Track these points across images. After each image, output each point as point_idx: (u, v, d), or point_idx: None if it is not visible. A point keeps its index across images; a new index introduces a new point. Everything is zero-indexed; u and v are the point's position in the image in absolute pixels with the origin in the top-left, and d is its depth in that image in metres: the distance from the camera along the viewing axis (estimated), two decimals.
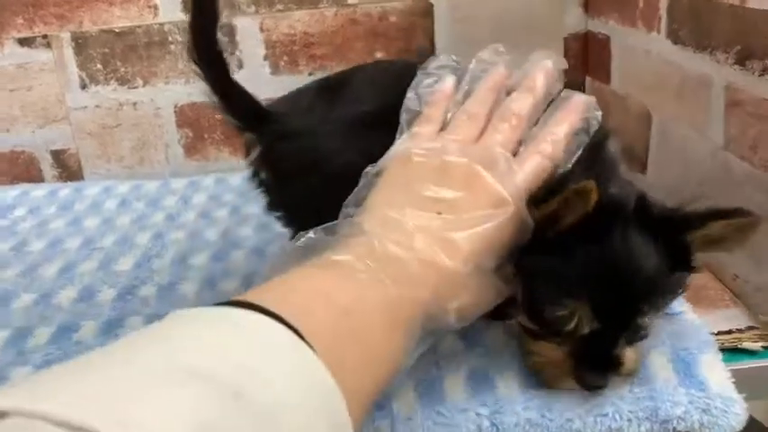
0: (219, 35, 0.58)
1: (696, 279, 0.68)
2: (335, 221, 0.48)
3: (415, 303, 0.43)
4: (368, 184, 0.50)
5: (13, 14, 1.05)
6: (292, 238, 0.60)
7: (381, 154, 0.53)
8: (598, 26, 1.06)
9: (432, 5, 1.09)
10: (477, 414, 0.53)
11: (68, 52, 1.07)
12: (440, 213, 0.46)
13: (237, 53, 1.09)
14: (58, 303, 0.72)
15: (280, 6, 1.07)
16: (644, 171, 0.90)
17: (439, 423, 0.53)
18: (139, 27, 1.07)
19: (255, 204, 0.78)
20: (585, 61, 1.12)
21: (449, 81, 0.55)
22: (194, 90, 1.09)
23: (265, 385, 0.31)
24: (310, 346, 0.34)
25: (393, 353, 0.42)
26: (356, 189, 0.51)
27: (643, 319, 0.50)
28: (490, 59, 0.56)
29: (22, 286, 0.75)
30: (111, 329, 0.66)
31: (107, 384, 0.28)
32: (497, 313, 0.60)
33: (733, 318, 0.64)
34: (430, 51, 1.11)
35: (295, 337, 0.34)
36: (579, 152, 0.51)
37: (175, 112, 1.10)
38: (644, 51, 0.88)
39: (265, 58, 1.10)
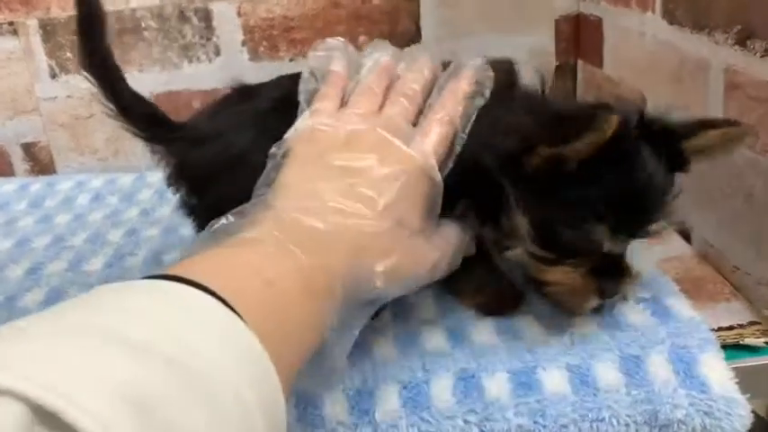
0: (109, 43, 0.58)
1: (694, 272, 0.67)
2: (246, 204, 0.47)
3: (331, 271, 0.43)
4: (276, 165, 0.50)
5: None
6: None
7: None
8: (590, 7, 1.02)
9: None
10: (466, 421, 0.50)
11: (36, 40, 1.02)
12: (351, 185, 0.46)
13: (214, 39, 1.04)
14: (24, 306, 0.68)
15: None
16: None
17: (425, 431, 0.50)
18: (111, 13, 1.02)
19: None
20: (577, 44, 1.08)
21: (342, 60, 0.56)
22: (171, 78, 1.05)
23: (196, 351, 0.31)
24: (239, 316, 0.34)
25: (313, 323, 0.42)
26: (265, 171, 0.50)
27: (653, 226, 0.53)
28: (379, 50, 0.58)
29: None
30: None
31: (33, 349, 0.28)
32: (494, 307, 0.60)
33: (734, 312, 0.61)
34: (415, 35, 1.07)
35: (224, 307, 0.34)
36: (474, 116, 0.53)
37: (151, 100, 1.05)
38: (638, 33, 0.85)
39: (243, 43, 1.05)
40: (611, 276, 0.53)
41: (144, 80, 1.04)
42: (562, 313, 0.58)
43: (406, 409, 0.51)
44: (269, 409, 0.34)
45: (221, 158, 0.58)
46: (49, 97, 1.05)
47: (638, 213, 0.52)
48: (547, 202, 0.52)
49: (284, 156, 0.50)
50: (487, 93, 0.54)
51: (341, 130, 0.50)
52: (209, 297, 0.34)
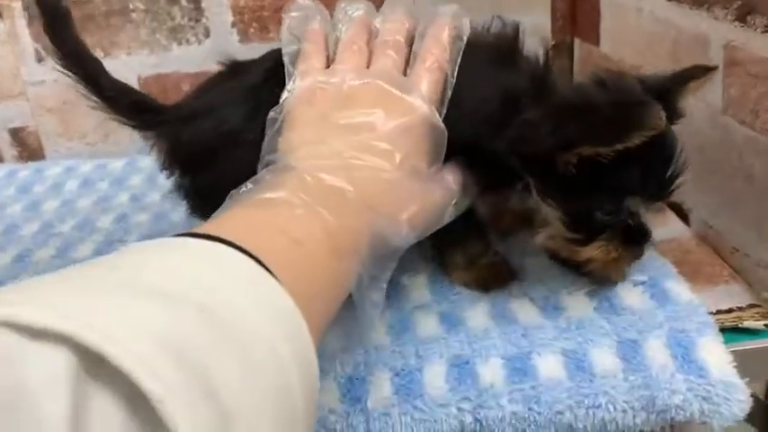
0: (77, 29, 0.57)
1: (693, 254, 0.65)
2: (261, 173, 0.46)
3: (357, 230, 0.43)
4: (278, 130, 0.50)
5: None
6: None
7: None
8: None
9: None
10: (459, 409, 0.49)
11: (21, 23, 1.00)
12: (363, 138, 0.47)
13: (203, 21, 1.02)
14: None
15: None
16: None
17: (417, 419, 0.49)
18: None
19: None
20: (573, 21, 1.06)
21: (317, 17, 0.57)
22: (159, 61, 1.03)
23: (230, 304, 0.31)
24: (272, 274, 0.34)
25: (340, 283, 0.42)
26: (267, 137, 0.50)
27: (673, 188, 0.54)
28: (352, 6, 0.58)
29: None
30: None
31: (72, 295, 0.29)
32: (487, 282, 0.59)
33: (733, 295, 0.60)
34: None
35: (256, 264, 0.34)
36: (460, 57, 0.53)
37: (140, 84, 1.03)
38: (635, 9, 0.83)
39: (233, 25, 1.03)
40: (639, 240, 0.55)
41: (132, 63, 1.02)
42: (557, 296, 0.58)
43: (399, 397, 0.50)
44: (303, 365, 0.33)
45: (214, 134, 0.56)
46: (36, 81, 1.03)
47: (668, 179, 0.53)
48: (580, 191, 0.52)
49: (284, 120, 0.50)
50: (465, 37, 0.54)
51: (339, 87, 0.50)
52: (240, 254, 0.34)
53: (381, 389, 0.51)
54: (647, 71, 0.80)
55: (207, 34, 1.02)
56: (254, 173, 0.51)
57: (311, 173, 0.44)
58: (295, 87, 0.52)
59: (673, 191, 0.54)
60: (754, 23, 0.59)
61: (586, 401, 0.49)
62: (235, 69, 0.61)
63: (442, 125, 0.50)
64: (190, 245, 0.35)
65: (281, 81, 0.53)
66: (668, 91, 0.54)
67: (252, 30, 1.03)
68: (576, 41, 1.07)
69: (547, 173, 0.52)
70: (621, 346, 0.52)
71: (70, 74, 0.57)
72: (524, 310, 0.57)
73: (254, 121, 0.54)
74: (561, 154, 0.50)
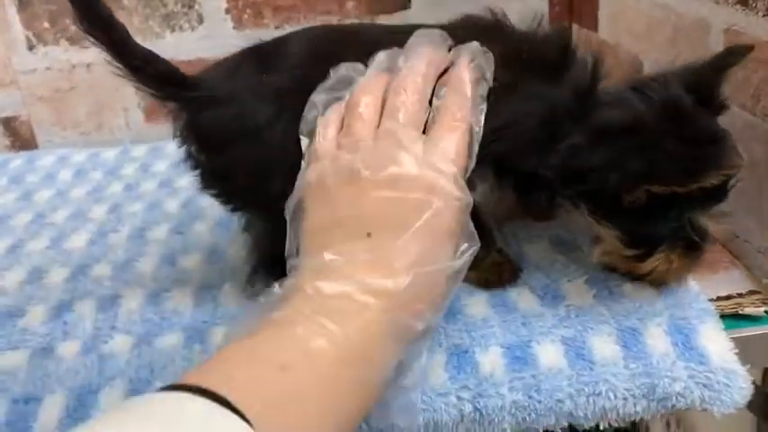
0: None
1: None
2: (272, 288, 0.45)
3: (367, 333, 0.41)
4: (294, 219, 0.49)
5: None
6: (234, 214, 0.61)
7: None
8: None
9: None
10: (459, 398, 0.49)
11: (11, 10, 0.98)
12: (369, 235, 0.44)
13: (197, 7, 1.01)
14: (3, 287, 0.66)
15: None
16: None
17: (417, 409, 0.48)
18: None
19: None
20: (571, 7, 1.05)
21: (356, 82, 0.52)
22: (152, 48, 1.00)
23: None
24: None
25: (359, 387, 0.41)
26: (288, 234, 0.49)
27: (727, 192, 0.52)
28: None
29: None
30: (61, 314, 0.60)
31: None
32: (492, 281, 0.59)
33: (733, 281, 0.59)
34: (405, 1, 1.04)
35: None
36: (485, 104, 0.50)
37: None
38: None
39: (227, 11, 1.02)
40: (698, 246, 0.53)
41: None
42: (556, 284, 0.57)
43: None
44: None
45: (236, 126, 0.55)
46: (28, 70, 1.02)
47: (722, 188, 0.51)
48: (640, 215, 0.51)
49: (296, 209, 0.48)
50: (489, 75, 0.51)
51: (346, 175, 0.46)
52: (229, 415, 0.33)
53: None
54: (646, 57, 0.80)
55: (200, 21, 1.01)
56: (270, 168, 0.53)
57: (312, 283, 0.42)
58: (305, 173, 0.49)
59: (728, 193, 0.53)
60: (755, 7, 0.58)
61: (587, 389, 0.49)
62: (263, 55, 0.58)
63: (467, 195, 0.46)
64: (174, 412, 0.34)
65: (309, 90, 0.52)
66: (707, 83, 0.52)
67: (246, 16, 1.02)
68: (574, 27, 1.06)
69: (603, 202, 0.51)
70: (622, 333, 0.52)
71: (95, 40, 0.53)
72: (524, 299, 0.57)
73: (275, 125, 0.53)
74: (627, 191, 0.49)
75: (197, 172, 0.59)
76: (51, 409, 0.51)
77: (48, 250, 0.72)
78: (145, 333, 0.57)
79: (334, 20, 1.04)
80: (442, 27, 0.56)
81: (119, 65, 0.53)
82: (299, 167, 0.51)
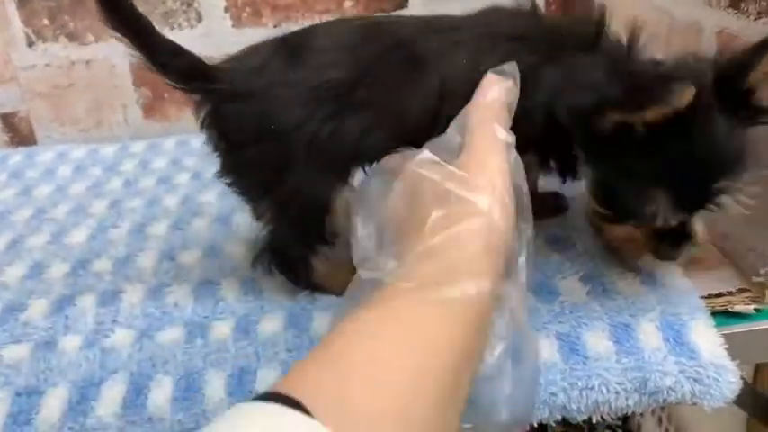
0: None
1: None
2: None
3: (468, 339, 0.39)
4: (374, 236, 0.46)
5: None
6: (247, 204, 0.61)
7: (348, 132, 0.53)
8: None
9: None
10: None
11: (11, 7, 0.98)
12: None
13: (195, 5, 1.01)
14: (4, 281, 0.66)
15: None
16: None
17: None
18: None
19: None
20: (565, 8, 1.06)
21: None
22: None
23: None
24: None
25: (455, 388, 0.37)
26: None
27: (722, 197, 0.51)
28: None
29: None
30: (62, 308, 0.61)
31: None
32: None
33: (723, 279, 0.60)
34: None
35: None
36: (513, 111, 0.49)
37: (132, 70, 1.03)
38: None
39: (226, 9, 1.02)
40: (671, 241, 0.54)
41: (123, 48, 1.01)
42: (551, 281, 0.58)
43: None
44: None
45: (261, 124, 0.54)
46: (27, 66, 1.02)
47: (704, 187, 0.50)
48: (611, 164, 0.52)
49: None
50: (517, 81, 0.50)
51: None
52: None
53: None
54: None
55: (199, 19, 1.02)
56: (291, 169, 0.54)
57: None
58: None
59: (713, 199, 0.51)
60: (747, 10, 0.59)
61: (580, 383, 0.50)
62: (290, 50, 0.56)
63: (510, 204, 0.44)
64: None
65: (354, 101, 0.54)
66: (743, 68, 0.49)
67: (245, 14, 1.03)
68: None
69: (589, 139, 0.52)
70: (614, 329, 0.53)
71: (119, 35, 0.52)
72: None
73: (303, 127, 0.53)
74: (596, 117, 0.50)
75: (218, 159, 0.59)
76: (54, 401, 0.52)
77: (48, 245, 0.72)
78: (146, 327, 0.58)
79: (331, 18, 1.04)
80: (472, 16, 0.58)
81: (145, 59, 0.53)
82: (320, 167, 0.53)
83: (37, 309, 0.62)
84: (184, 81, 0.55)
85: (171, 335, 0.57)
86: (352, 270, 0.45)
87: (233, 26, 1.03)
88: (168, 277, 0.65)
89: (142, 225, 0.75)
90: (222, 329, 0.57)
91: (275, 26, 1.04)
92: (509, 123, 0.48)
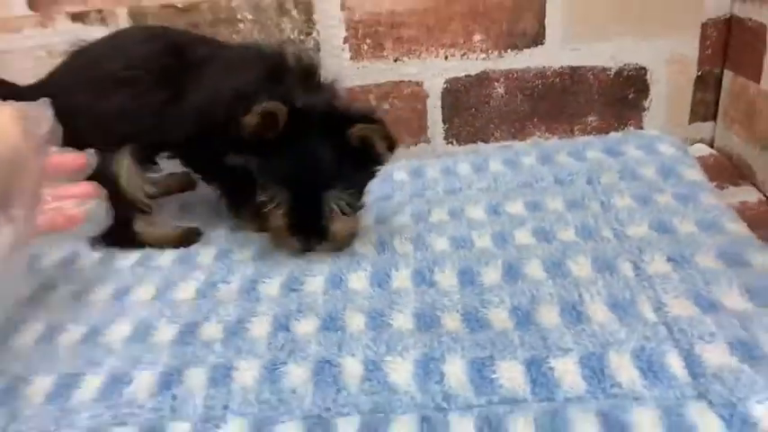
0: None
1: None
2: None
3: None
4: None
5: None
6: None
7: (131, 108, 0.73)
8: (748, 10, 0.88)
9: None
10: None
11: None
12: None
13: (314, 35, 0.95)
14: (109, 342, 0.61)
15: None
16: None
17: None
18: (204, 2, 0.94)
19: None
20: (725, 52, 0.94)
21: None
22: None
23: None
24: None
25: None
26: None
27: (329, 197, 0.68)
28: None
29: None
30: (169, 385, 0.55)
31: None
32: None
33: None
34: (538, 35, 0.95)
35: None
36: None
37: None
38: None
39: (345, 40, 0.96)
40: (304, 234, 0.71)
41: None
42: None
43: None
44: None
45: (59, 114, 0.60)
46: None
47: (309, 185, 0.68)
48: (243, 168, 0.69)
49: None
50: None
51: None
52: None
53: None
54: None
55: (317, 49, 0.95)
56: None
57: None
58: None
59: (327, 204, 0.68)
60: None
61: None
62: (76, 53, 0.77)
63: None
64: None
65: (127, 85, 0.73)
66: (345, 122, 0.67)
67: (365, 46, 0.96)
68: (728, 74, 0.95)
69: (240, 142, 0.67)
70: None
71: None
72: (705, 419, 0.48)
73: (99, 108, 0.72)
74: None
75: None
76: None
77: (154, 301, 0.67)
78: (261, 420, 0.51)
79: (458, 53, 0.96)
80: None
81: None
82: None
83: (143, 382, 0.56)
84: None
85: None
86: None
87: (351, 58, 0.96)
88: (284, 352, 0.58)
89: (252, 282, 0.69)
90: (346, 429, 0.50)
91: (396, 60, 0.96)
92: None
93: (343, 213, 0.70)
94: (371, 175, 0.73)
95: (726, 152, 0.95)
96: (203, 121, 0.71)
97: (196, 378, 0.56)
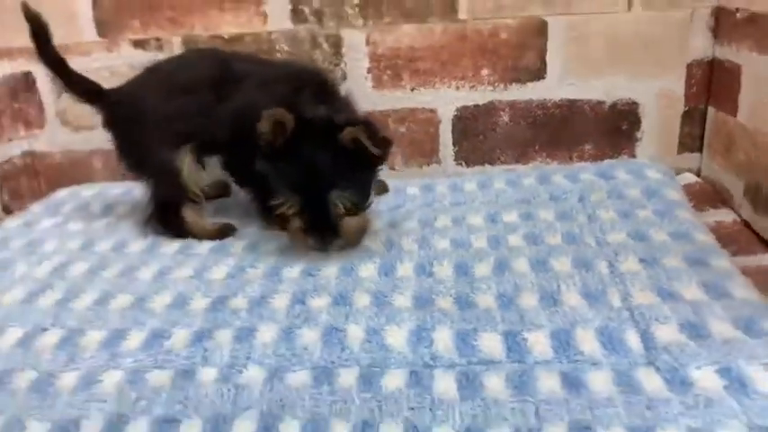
0: None
1: None
2: None
3: None
4: None
5: (131, 17, 1.08)
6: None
7: (191, 111, 0.86)
8: (727, 53, 0.98)
9: (546, 23, 1.04)
10: None
11: None
12: None
13: (342, 65, 1.08)
14: (152, 308, 0.72)
15: (388, 19, 1.06)
16: None
17: None
18: (248, 34, 1.08)
19: None
20: (708, 90, 1.04)
21: None
22: None
23: None
24: None
25: None
26: None
27: (333, 196, 0.77)
28: None
29: (119, 287, 0.77)
30: (201, 340, 0.65)
31: None
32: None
33: None
34: (539, 71, 1.07)
35: None
36: None
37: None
38: None
39: (369, 71, 1.08)
40: (317, 233, 0.79)
41: None
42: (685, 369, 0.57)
43: None
44: None
45: (132, 114, 0.87)
46: None
47: (315, 188, 0.77)
48: (263, 175, 0.79)
49: None
50: None
51: None
52: None
53: None
54: None
55: (344, 78, 1.08)
56: (150, 144, 0.87)
57: None
58: None
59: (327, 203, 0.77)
60: None
61: None
62: (152, 70, 0.92)
63: None
64: None
65: (192, 93, 0.87)
66: (334, 129, 0.76)
67: (385, 77, 1.08)
68: (710, 110, 1.04)
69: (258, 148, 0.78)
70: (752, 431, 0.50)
71: (48, 68, 0.87)
72: (650, 381, 0.56)
73: (163, 111, 0.86)
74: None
75: (115, 150, 0.91)
76: None
77: (192, 279, 0.78)
78: (277, 367, 0.61)
79: (468, 85, 1.08)
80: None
81: (62, 83, 0.88)
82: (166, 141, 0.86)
83: (179, 338, 0.66)
84: (84, 96, 0.89)
85: (300, 378, 0.59)
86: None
87: (373, 87, 1.09)
88: (299, 320, 0.68)
89: (276, 268, 0.79)
90: (347, 378, 0.59)
91: (412, 89, 1.08)
92: None
93: (351, 212, 0.79)
94: (373, 174, 0.82)
95: (710, 180, 1.04)
96: (235, 126, 0.83)
97: (224, 336, 0.66)
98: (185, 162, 0.87)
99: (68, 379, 0.62)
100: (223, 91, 0.86)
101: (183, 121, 0.86)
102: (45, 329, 0.69)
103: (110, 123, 0.89)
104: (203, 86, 0.87)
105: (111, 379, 0.61)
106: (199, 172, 0.89)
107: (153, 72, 0.91)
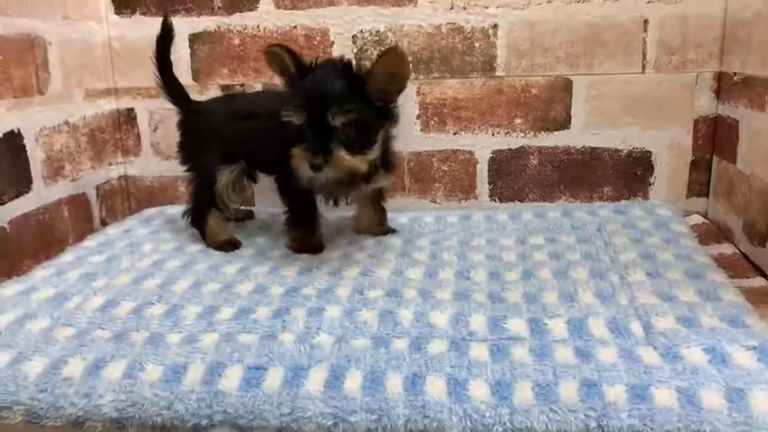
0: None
1: None
2: None
3: None
4: None
5: (221, 65, 1.28)
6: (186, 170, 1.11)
7: (248, 134, 1.03)
8: (728, 110, 1.13)
9: (571, 82, 1.21)
10: (586, 415, 0.61)
11: None
12: None
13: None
14: (238, 292, 0.88)
15: (436, 74, 1.24)
16: (765, 245, 0.95)
17: (552, 419, 0.62)
18: None
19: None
20: (713, 142, 1.19)
21: None
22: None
23: None
24: None
25: None
26: None
27: (334, 119, 0.86)
28: None
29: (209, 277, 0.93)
30: (280, 314, 0.80)
31: None
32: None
33: None
34: (565, 122, 1.23)
35: None
36: None
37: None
38: None
39: (418, 117, 1.26)
40: (312, 153, 0.87)
41: None
42: (676, 348, 0.69)
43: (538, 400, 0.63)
44: None
45: (200, 125, 1.08)
46: None
47: (319, 107, 0.87)
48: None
49: None
50: None
51: None
52: None
53: (524, 393, 0.65)
54: None
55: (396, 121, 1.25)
56: (203, 152, 1.08)
57: None
58: None
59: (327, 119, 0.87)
60: None
61: (693, 426, 0.60)
62: (228, 97, 1.22)
63: None
64: None
65: (252, 120, 1.04)
66: (363, 76, 0.91)
67: (432, 122, 1.26)
68: (715, 159, 1.19)
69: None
70: (729, 391, 0.63)
71: (160, 74, 1.09)
72: (646, 352, 0.69)
73: (225, 129, 1.06)
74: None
75: (179, 151, 1.12)
76: (274, 376, 0.69)
77: (267, 274, 0.94)
78: (343, 335, 0.75)
79: (503, 131, 1.25)
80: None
81: (162, 86, 1.09)
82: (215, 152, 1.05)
83: (262, 313, 0.81)
84: (173, 99, 1.10)
85: (361, 342, 0.74)
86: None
87: (421, 130, 1.26)
88: (360, 305, 0.83)
89: (337, 269, 0.95)
90: (399, 344, 0.73)
91: (454, 133, 1.25)
92: None
93: (350, 149, 0.88)
94: (380, 123, 0.94)
95: (715, 221, 1.18)
96: (279, 147, 0.93)
97: (298, 313, 0.81)
98: (224, 174, 1.04)
99: (174, 338, 0.77)
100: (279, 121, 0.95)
101: (236, 143, 1.04)
102: (152, 304, 0.85)
103: (182, 125, 1.11)
104: (263, 116, 1.01)
105: (210, 338, 0.76)
106: (241, 191, 1.08)
107: (229, 97, 1.17)
